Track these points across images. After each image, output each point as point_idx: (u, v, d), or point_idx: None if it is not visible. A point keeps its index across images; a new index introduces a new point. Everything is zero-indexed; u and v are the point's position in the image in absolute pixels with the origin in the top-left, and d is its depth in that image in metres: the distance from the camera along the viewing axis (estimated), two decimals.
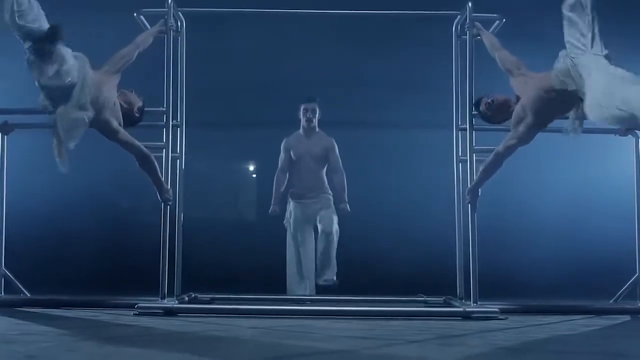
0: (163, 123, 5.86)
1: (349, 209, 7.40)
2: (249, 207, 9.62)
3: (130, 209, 8.84)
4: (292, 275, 7.43)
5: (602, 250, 8.02)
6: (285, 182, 7.58)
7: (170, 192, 5.75)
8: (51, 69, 4.91)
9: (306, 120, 7.50)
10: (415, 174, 8.66)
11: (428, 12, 6.64)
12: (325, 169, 7.54)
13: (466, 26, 6.01)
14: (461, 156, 6.18)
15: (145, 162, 5.46)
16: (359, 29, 8.38)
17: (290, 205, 7.54)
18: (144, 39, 5.73)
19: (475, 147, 5.88)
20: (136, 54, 5.59)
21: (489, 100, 5.69)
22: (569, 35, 5.20)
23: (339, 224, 7.38)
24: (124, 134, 5.37)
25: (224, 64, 8.64)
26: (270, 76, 8.60)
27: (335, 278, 7.25)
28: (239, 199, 9.77)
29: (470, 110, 5.91)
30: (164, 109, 5.85)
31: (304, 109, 7.52)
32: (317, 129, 7.54)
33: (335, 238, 7.26)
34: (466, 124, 5.94)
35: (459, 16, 6.26)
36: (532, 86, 5.42)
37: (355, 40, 8.52)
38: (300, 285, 7.38)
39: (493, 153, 5.56)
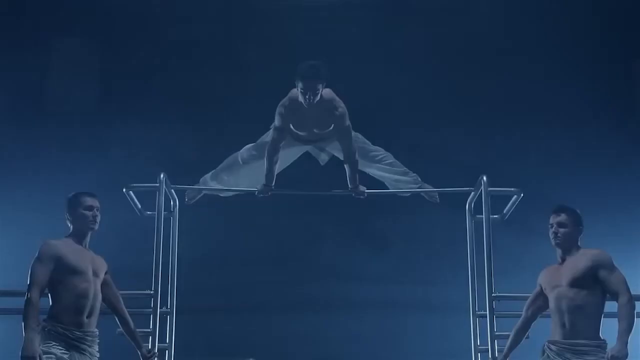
0: (150, 309, 5.49)
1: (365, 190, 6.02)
2: None
3: None
4: None
5: None
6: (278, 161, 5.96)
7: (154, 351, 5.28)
8: None
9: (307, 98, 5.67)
10: None
11: (436, 189, 6.26)
12: None
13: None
14: (480, 345, 5.69)
15: None
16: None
17: None
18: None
19: (497, 333, 5.47)
20: None
21: None
22: None
23: None
24: None
25: (220, 240, 8.00)
26: (271, 255, 8.12)
27: None
28: None
29: (490, 294, 5.55)
30: (152, 292, 5.51)
31: (302, 88, 5.64)
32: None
33: None
34: (485, 310, 5.56)
35: (472, 193, 5.95)
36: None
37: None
38: None
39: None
